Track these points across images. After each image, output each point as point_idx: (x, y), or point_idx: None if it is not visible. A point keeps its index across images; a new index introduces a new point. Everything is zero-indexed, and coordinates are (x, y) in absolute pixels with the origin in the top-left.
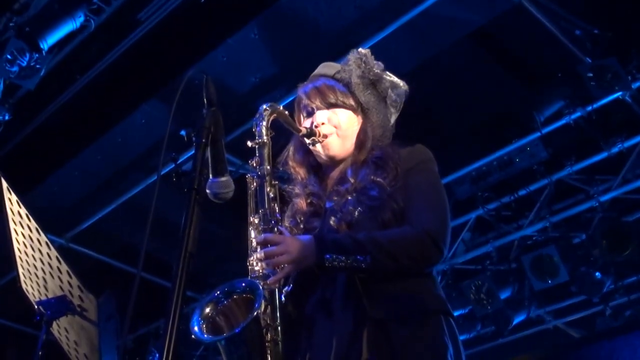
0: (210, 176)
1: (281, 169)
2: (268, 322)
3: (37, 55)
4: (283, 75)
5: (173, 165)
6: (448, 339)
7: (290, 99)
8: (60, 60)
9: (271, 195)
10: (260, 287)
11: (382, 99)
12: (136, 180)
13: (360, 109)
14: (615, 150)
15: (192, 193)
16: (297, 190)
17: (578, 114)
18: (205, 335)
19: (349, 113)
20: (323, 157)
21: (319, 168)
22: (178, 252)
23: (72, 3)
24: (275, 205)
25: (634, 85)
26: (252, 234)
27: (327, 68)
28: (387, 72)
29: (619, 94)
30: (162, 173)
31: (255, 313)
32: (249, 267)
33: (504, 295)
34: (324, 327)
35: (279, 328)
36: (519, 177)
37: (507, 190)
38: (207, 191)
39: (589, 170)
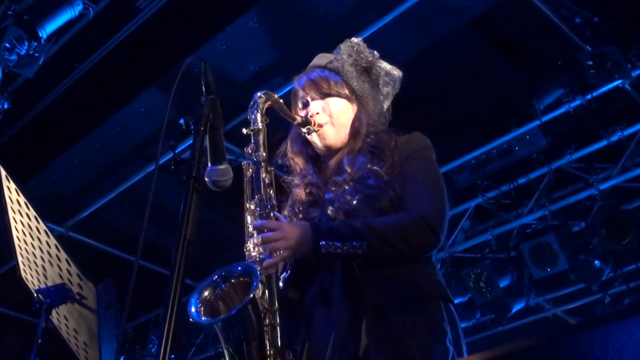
0: (209, 164)
1: (280, 161)
2: (266, 306)
3: (35, 43)
4: (282, 63)
5: (172, 154)
6: (447, 324)
7: (290, 87)
8: (59, 48)
9: (267, 181)
10: (257, 270)
11: (376, 86)
12: (136, 169)
13: (354, 97)
14: (614, 138)
15: (191, 181)
16: (296, 180)
17: (578, 102)
18: (203, 318)
19: (343, 102)
20: (320, 146)
21: (317, 158)
22: (176, 240)
23: None
24: (271, 191)
25: (634, 74)
26: (249, 219)
27: (320, 59)
28: (381, 60)
29: (619, 82)
30: (162, 162)
31: (251, 295)
32: (246, 253)
33: (503, 283)
34: (323, 314)
35: (277, 313)
36: (519, 165)
37: (507, 179)
38: (206, 179)
39: (589, 158)
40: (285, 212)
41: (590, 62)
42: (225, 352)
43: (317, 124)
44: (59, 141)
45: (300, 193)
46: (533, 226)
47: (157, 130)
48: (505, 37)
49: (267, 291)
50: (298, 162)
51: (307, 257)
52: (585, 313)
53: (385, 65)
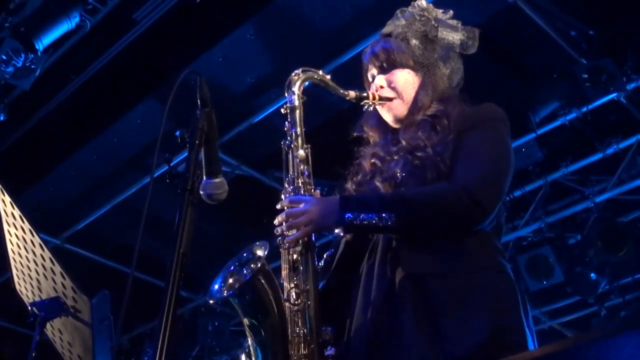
0: (204, 177)
1: (355, 134)
2: (297, 286)
3: (32, 55)
4: (279, 75)
5: (167, 167)
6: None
7: (284, 100)
8: (56, 60)
9: (301, 158)
10: (263, 243)
11: (442, 52)
12: (132, 181)
13: (419, 65)
14: (610, 151)
15: (186, 194)
16: (365, 152)
17: (573, 114)
18: (223, 294)
19: (407, 72)
20: (389, 120)
21: (395, 131)
22: (172, 253)
23: (67, 3)
24: (305, 167)
25: (629, 87)
26: (283, 197)
27: (386, 27)
28: (448, 22)
29: (614, 94)
30: (158, 174)
31: (259, 264)
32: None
33: None
34: (365, 290)
35: (311, 292)
36: (514, 177)
37: None
38: (201, 192)
39: (584, 170)
40: (348, 185)
41: (586, 75)
42: (246, 329)
43: (377, 98)
44: (55, 153)
45: (365, 165)
46: (529, 238)
47: (154, 142)
48: (500, 49)
49: (299, 269)
50: (373, 135)
51: (357, 235)
52: (581, 326)
53: (450, 30)
